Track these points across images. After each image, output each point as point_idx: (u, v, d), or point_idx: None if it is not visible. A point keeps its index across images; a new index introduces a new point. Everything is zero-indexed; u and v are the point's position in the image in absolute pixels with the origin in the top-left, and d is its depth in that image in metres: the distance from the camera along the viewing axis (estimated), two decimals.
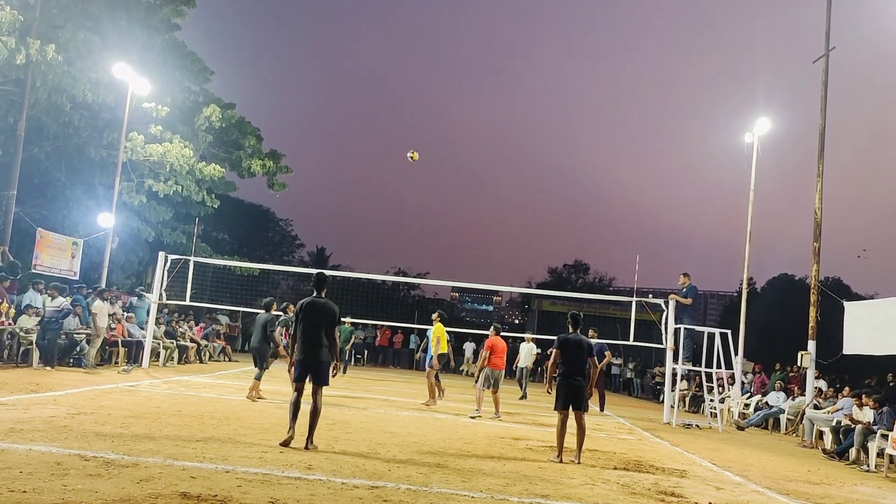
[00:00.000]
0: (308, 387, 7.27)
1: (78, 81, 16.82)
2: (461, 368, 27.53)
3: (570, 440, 8.10)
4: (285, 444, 6.97)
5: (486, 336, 12.40)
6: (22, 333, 12.75)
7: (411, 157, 10.79)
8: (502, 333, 12.66)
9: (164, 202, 21.85)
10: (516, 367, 18.55)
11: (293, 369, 7.54)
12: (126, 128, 18.43)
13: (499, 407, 12.10)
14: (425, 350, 15.27)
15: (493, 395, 12.07)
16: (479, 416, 11.59)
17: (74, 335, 13.75)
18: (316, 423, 7.19)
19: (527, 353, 17.65)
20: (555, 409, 8.26)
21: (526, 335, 18.38)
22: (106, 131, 19.82)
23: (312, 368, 7.25)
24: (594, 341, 15.46)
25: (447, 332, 13.74)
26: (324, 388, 7.37)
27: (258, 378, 11.17)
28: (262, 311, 11.86)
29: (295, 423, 7.12)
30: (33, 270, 15.81)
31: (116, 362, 14.83)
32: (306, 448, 6.97)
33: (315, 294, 7.45)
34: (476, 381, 12.30)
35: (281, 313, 14.74)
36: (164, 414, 8.49)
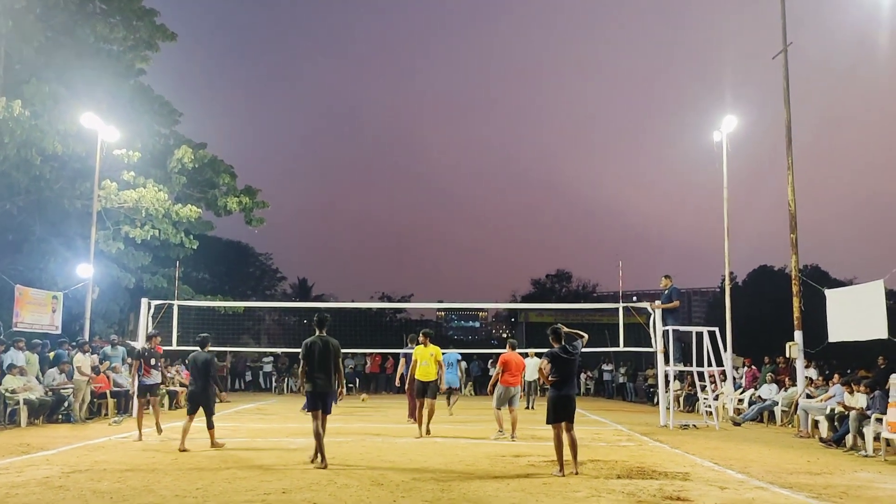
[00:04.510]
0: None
1: (46, 134, 16.68)
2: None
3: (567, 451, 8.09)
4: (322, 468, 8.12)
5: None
6: (8, 394, 12.56)
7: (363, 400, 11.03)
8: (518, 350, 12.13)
9: (142, 247, 21.62)
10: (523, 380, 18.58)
11: (306, 400, 8.82)
12: (98, 176, 18.30)
13: (515, 428, 11.41)
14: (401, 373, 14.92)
15: (509, 414, 11.46)
16: (505, 438, 11.23)
17: (61, 391, 13.55)
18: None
19: (532, 367, 17.73)
20: (548, 423, 8.25)
21: (529, 351, 18.30)
22: (78, 181, 19.67)
23: (322, 397, 8.42)
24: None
25: (442, 352, 12.90)
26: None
27: (211, 426, 10.07)
28: (198, 349, 10.10)
29: (322, 449, 8.24)
30: (14, 329, 15.55)
31: (106, 414, 14.62)
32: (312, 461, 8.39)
33: (318, 333, 8.50)
34: (493, 403, 11.65)
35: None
36: (161, 464, 8.39)
